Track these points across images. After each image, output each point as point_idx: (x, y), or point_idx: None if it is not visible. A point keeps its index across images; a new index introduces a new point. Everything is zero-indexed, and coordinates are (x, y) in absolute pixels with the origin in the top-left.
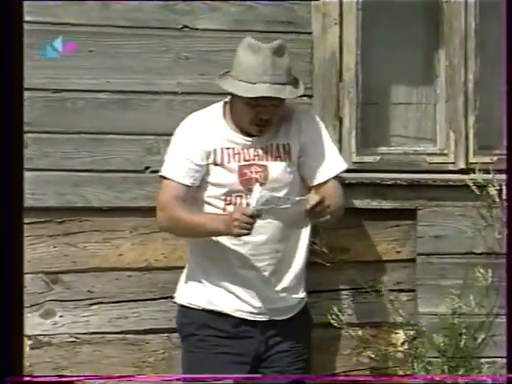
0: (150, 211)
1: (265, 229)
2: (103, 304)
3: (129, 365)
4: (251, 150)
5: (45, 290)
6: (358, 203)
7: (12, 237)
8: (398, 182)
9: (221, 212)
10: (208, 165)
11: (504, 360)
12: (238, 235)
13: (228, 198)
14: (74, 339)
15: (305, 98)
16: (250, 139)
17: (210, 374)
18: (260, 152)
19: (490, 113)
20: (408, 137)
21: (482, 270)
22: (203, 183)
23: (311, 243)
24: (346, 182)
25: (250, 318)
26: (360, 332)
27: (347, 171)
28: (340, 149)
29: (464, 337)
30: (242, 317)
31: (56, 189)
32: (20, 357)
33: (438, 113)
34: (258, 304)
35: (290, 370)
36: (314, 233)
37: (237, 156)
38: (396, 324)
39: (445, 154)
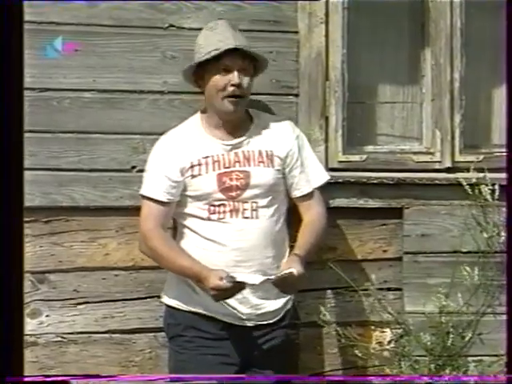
0: (137, 210)
1: (252, 234)
2: (89, 303)
3: (115, 364)
4: (231, 155)
5: (31, 289)
6: (345, 202)
7: (12, 236)
8: (385, 180)
9: (206, 223)
10: (185, 179)
11: (491, 358)
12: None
13: (212, 208)
14: (60, 339)
15: (291, 97)
16: (229, 143)
17: (196, 374)
18: (241, 157)
19: (475, 112)
20: (394, 136)
21: (468, 269)
22: (183, 198)
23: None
24: (333, 181)
25: (237, 323)
26: (346, 331)
27: (333, 170)
28: (326, 148)
29: (451, 335)
30: (229, 321)
31: (42, 188)
32: (20, 357)
33: (424, 112)
34: (246, 310)
35: (279, 371)
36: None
37: (216, 164)
38: (383, 323)
39: (431, 153)
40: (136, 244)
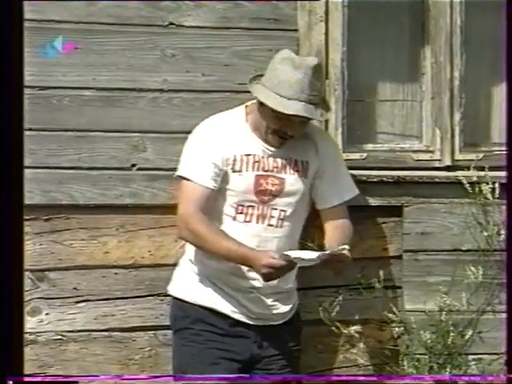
0: (137, 208)
1: (272, 243)
2: (89, 301)
3: (115, 362)
4: (270, 160)
5: (31, 287)
6: None
7: (12, 235)
8: (384, 179)
9: (231, 222)
10: (226, 171)
11: (491, 356)
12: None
13: (240, 208)
14: (60, 337)
15: None
16: (272, 149)
17: (201, 368)
18: (279, 164)
19: (475, 110)
20: (394, 134)
21: (472, 268)
22: (219, 189)
23: (304, 243)
24: None
25: (247, 320)
26: (347, 329)
27: None
28: None
29: (451, 334)
30: (239, 319)
31: (41, 186)
32: (20, 357)
33: (423, 110)
34: (257, 310)
35: (283, 373)
36: (306, 233)
37: (256, 164)
38: (383, 321)
39: (431, 151)
40: (135, 242)
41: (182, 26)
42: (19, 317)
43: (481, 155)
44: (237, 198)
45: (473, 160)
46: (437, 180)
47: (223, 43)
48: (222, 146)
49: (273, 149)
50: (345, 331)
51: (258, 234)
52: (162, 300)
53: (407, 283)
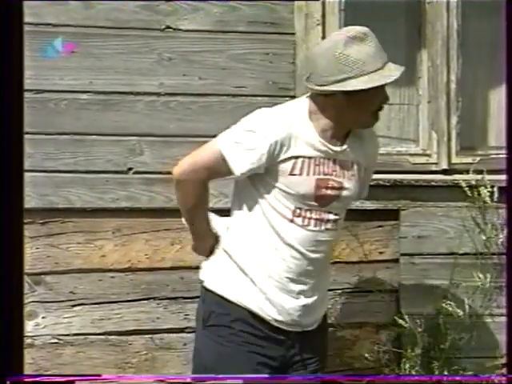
0: (133, 212)
1: (325, 246)
2: (86, 305)
3: (111, 366)
4: (331, 163)
5: (27, 291)
6: None
7: (12, 237)
8: (381, 182)
9: (288, 225)
10: (277, 169)
11: (488, 360)
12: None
13: (297, 211)
14: (56, 340)
15: (287, 98)
16: (336, 148)
17: (236, 369)
18: (338, 167)
19: (472, 113)
20: (391, 137)
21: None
22: (273, 189)
23: None
24: None
25: (287, 328)
26: (343, 333)
27: None
28: None
29: (449, 337)
30: (279, 326)
31: (38, 190)
32: (20, 357)
33: (420, 113)
34: (297, 317)
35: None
36: None
37: (317, 168)
38: (380, 324)
39: (427, 155)
40: (132, 246)
41: (179, 29)
42: (19, 317)
43: (478, 159)
44: (295, 202)
45: (470, 163)
46: (433, 183)
47: (220, 47)
48: (279, 142)
49: (337, 148)
50: (341, 335)
51: (315, 238)
52: (159, 304)
53: (404, 287)
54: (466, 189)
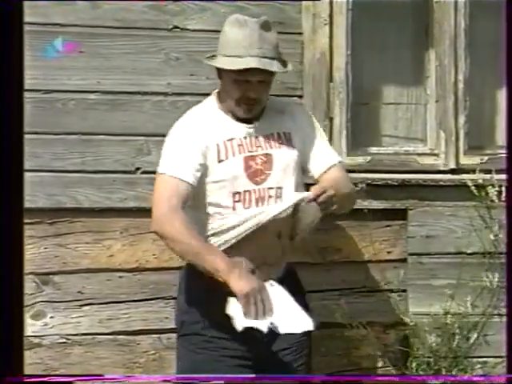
0: (141, 212)
1: (278, 221)
2: (94, 305)
3: (119, 366)
4: (253, 140)
5: (35, 291)
6: None
7: (12, 237)
8: (389, 182)
9: (231, 211)
10: (209, 163)
11: (496, 360)
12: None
13: (236, 195)
14: (64, 340)
15: (295, 98)
16: (251, 126)
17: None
18: (262, 141)
19: (480, 113)
20: (398, 137)
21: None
22: (204, 185)
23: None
24: None
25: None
26: (351, 332)
27: None
28: None
29: (456, 337)
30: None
31: (46, 190)
32: (20, 357)
33: (428, 113)
34: None
35: (293, 368)
36: None
37: (241, 147)
38: (387, 324)
39: (435, 154)
40: (140, 246)
41: (187, 29)
42: (19, 317)
43: (485, 158)
44: (231, 187)
45: (477, 163)
46: (441, 183)
47: None
48: (200, 137)
49: (252, 125)
50: (349, 334)
51: None
52: (167, 303)
53: (412, 286)
54: (473, 188)
